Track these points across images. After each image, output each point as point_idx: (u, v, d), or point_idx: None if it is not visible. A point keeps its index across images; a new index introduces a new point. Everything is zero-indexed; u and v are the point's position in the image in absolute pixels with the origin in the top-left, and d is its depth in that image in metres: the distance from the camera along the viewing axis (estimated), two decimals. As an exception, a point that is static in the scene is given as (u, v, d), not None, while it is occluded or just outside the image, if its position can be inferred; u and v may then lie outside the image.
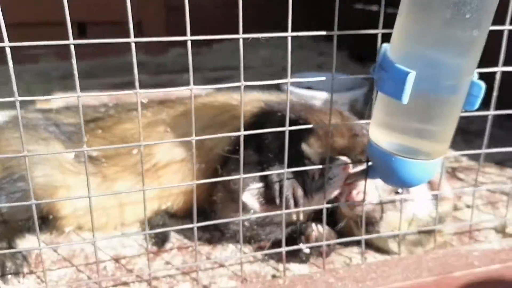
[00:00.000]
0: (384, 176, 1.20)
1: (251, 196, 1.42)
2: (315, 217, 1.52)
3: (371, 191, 1.42)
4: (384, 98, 1.10)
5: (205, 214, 1.71)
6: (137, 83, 1.03)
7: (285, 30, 1.08)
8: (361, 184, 1.41)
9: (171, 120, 1.68)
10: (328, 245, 1.41)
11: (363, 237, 1.37)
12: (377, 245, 1.55)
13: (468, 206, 1.79)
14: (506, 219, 1.62)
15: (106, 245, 1.60)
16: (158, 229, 1.64)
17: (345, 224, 1.52)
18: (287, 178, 1.36)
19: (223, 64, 3.97)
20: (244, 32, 1.05)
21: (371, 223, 1.46)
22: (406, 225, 1.48)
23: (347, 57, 3.97)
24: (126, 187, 1.62)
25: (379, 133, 1.15)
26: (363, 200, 1.33)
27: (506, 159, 2.17)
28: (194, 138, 1.14)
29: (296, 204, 1.38)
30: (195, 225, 1.21)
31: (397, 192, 1.47)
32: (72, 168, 1.63)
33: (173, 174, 1.62)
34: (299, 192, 1.38)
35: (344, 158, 1.42)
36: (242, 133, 1.17)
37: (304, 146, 1.48)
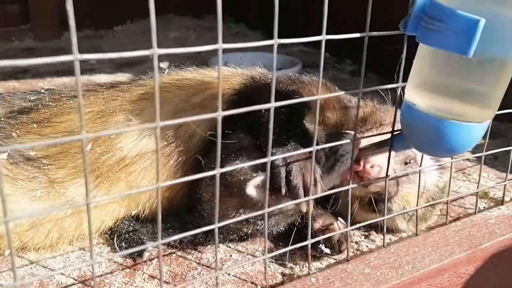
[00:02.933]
0: (425, 144, 1.06)
1: (256, 188, 1.18)
2: (318, 200, 1.35)
3: (384, 165, 1.28)
4: (435, 55, 0.96)
5: (187, 212, 1.45)
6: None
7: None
8: (373, 158, 1.27)
9: (131, 106, 1.37)
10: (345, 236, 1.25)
11: (385, 217, 1.23)
12: (379, 224, 1.42)
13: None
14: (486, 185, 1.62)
15: (64, 264, 1.27)
16: (128, 237, 1.35)
17: (342, 203, 1.38)
18: (296, 161, 1.15)
19: (130, 47, 3.60)
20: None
21: (383, 200, 1.33)
22: (417, 199, 1.37)
23: (263, 37, 3.85)
24: (81, 192, 1.29)
25: (423, 96, 1.00)
26: (386, 175, 1.18)
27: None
28: (158, 124, 0.82)
29: (306, 193, 1.14)
30: (216, 225, 0.96)
31: (405, 163, 1.36)
32: (7, 172, 1.26)
33: (144, 170, 1.32)
34: (309, 177, 1.16)
35: (352, 133, 1.26)
36: (220, 113, 0.87)
37: (308, 125, 1.30)
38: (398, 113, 1.11)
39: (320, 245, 1.22)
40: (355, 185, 1.15)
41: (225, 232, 1.28)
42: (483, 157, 1.41)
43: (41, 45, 3.59)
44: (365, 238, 1.40)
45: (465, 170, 1.84)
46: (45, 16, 3.73)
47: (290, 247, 1.10)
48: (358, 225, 1.20)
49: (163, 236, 1.39)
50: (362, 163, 1.26)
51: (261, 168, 1.16)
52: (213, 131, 1.29)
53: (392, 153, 1.18)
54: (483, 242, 1.22)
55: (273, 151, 1.17)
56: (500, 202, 1.50)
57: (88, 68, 3.03)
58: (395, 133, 1.14)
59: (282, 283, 1.18)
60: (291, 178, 1.11)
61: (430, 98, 0.99)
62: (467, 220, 1.34)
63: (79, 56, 0.70)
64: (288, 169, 1.13)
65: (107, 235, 1.38)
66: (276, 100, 1.25)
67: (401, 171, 1.31)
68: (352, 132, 1.26)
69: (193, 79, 1.43)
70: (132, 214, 1.37)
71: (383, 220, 1.23)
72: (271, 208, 1.02)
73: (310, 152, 1.05)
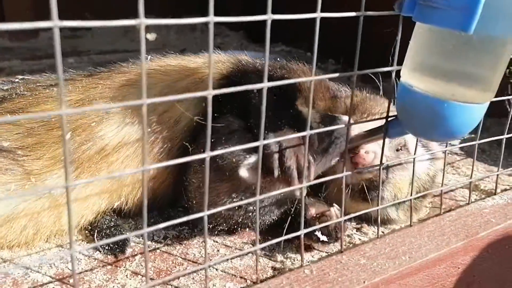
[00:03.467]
0: (423, 128, 1.02)
1: (249, 169, 1.12)
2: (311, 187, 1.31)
3: (378, 151, 1.24)
4: (433, 35, 0.92)
5: (171, 208, 1.39)
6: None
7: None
8: (367, 145, 1.23)
9: (112, 93, 1.30)
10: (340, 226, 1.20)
11: (379, 207, 1.19)
12: (371, 215, 1.38)
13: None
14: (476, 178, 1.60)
15: (40, 262, 1.18)
16: (109, 232, 1.27)
17: (331, 191, 1.34)
18: (292, 147, 1.11)
19: (110, 47, 3.53)
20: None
21: (375, 187, 1.29)
22: (408, 187, 1.34)
23: (244, 38, 3.81)
24: (62, 182, 1.22)
25: (420, 79, 0.96)
26: (381, 162, 1.14)
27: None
28: (145, 102, 0.77)
29: (299, 175, 1.09)
30: (206, 213, 0.90)
31: (397, 150, 1.33)
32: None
33: (127, 159, 1.26)
34: (304, 160, 1.11)
35: (346, 117, 1.22)
36: (211, 92, 0.82)
37: (301, 107, 1.25)
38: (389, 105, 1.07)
39: (317, 232, 1.17)
40: (349, 173, 1.10)
41: (215, 221, 1.22)
42: (476, 146, 1.39)
43: (17, 44, 3.48)
44: (357, 231, 1.35)
45: (454, 163, 1.81)
46: (20, 16, 3.62)
47: (283, 237, 1.04)
48: (352, 215, 1.15)
49: (147, 234, 1.32)
50: (357, 149, 1.21)
51: (253, 150, 1.11)
52: (201, 116, 1.24)
53: (386, 140, 1.14)
54: (480, 231, 1.18)
55: (266, 134, 1.12)
56: (492, 193, 1.48)
57: (68, 66, 2.94)
58: (389, 119, 1.10)
59: (273, 277, 1.12)
60: (284, 160, 1.06)
61: (428, 81, 0.95)
62: (461, 210, 1.30)
63: (59, 22, 0.64)
64: (281, 151, 1.08)
65: (87, 232, 1.30)
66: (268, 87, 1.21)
67: (393, 158, 1.27)
68: (346, 117, 1.22)
69: (177, 65, 1.37)
70: (114, 207, 1.30)
71: (377, 210, 1.19)
72: (264, 196, 0.97)
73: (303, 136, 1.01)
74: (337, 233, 1.17)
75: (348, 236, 1.32)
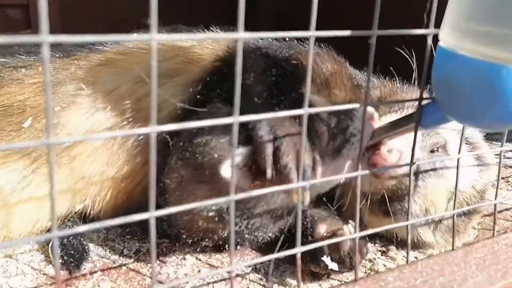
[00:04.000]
0: (471, 108, 0.72)
1: (234, 169, 0.84)
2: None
3: (406, 150, 0.96)
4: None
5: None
6: None
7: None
8: (391, 141, 0.96)
9: (85, 73, 1.08)
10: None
11: (409, 222, 0.88)
12: (396, 235, 1.09)
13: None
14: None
15: (-22, 276, 0.95)
16: (66, 242, 1.03)
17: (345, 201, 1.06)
18: (288, 135, 0.83)
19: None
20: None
21: (400, 197, 1.00)
22: (445, 202, 1.04)
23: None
24: (15, 178, 1.00)
25: (468, 38, 0.68)
26: (411, 161, 0.84)
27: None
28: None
29: (301, 177, 0.79)
30: (152, 214, 0.63)
31: (432, 151, 1.04)
32: None
33: (95, 153, 1.02)
34: (307, 157, 0.83)
35: (369, 108, 0.93)
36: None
37: (312, 96, 0.98)
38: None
39: (325, 257, 0.89)
40: (366, 172, 0.82)
41: (194, 235, 0.95)
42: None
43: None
44: (382, 255, 1.06)
45: (509, 178, 1.49)
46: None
47: (273, 255, 0.76)
48: (365, 232, 0.85)
49: (117, 247, 1.07)
50: (377, 147, 0.94)
51: (243, 144, 0.85)
52: (186, 102, 1.00)
53: (418, 135, 0.86)
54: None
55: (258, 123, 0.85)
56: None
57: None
58: (423, 102, 0.81)
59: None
60: (280, 155, 0.79)
61: (480, 41, 0.67)
62: (521, 234, 0.98)
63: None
64: (276, 144, 0.81)
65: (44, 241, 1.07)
66: (267, 65, 0.95)
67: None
68: (369, 107, 0.93)
69: (164, 44, 1.13)
70: (78, 211, 1.06)
71: (406, 226, 0.89)
72: (241, 195, 0.69)
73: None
74: (352, 259, 0.88)
75: (370, 260, 1.02)
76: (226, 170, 0.83)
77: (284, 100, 0.93)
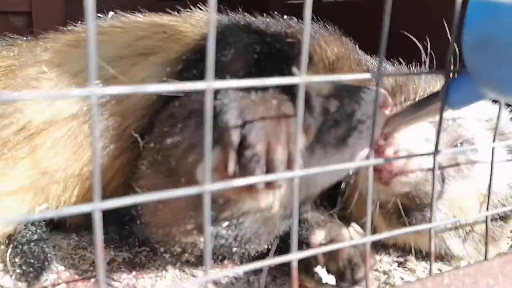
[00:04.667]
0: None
1: (209, 172, 0.63)
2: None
3: (415, 149, 0.80)
4: None
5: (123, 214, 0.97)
6: None
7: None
8: (401, 134, 0.80)
9: (49, 55, 0.95)
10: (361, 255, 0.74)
11: (431, 224, 0.72)
12: (417, 245, 0.92)
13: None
14: None
15: None
16: (27, 249, 0.88)
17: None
18: (262, 121, 0.64)
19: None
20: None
21: (420, 206, 0.84)
22: (477, 207, 0.87)
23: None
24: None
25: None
26: (436, 149, 0.67)
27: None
28: None
29: (270, 172, 0.58)
30: (97, 205, 0.47)
31: (455, 146, 0.88)
32: None
33: (57, 143, 0.88)
34: (281, 150, 0.60)
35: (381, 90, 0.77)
36: None
37: (296, 70, 0.82)
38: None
39: (319, 268, 0.72)
40: (379, 161, 0.66)
41: (172, 248, 0.79)
42: None
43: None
44: (398, 266, 0.90)
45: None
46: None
47: (263, 262, 0.60)
48: (374, 237, 0.67)
49: (88, 256, 0.92)
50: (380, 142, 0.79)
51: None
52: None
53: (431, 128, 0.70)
54: None
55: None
56: None
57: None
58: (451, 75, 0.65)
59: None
60: (246, 146, 0.61)
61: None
62: None
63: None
64: (243, 132, 0.63)
65: (3, 246, 0.92)
66: (255, 41, 0.81)
67: (448, 158, 0.82)
68: (380, 90, 0.77)
69: (143, 22, 0.99)
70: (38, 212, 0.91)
71: (429, 229, 0.72)
72: (217, 187, 0.52)
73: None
74: (354, 271, 0.71)
75: (385, 273, 0.86)
76: (201, 175, 0.66)
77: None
